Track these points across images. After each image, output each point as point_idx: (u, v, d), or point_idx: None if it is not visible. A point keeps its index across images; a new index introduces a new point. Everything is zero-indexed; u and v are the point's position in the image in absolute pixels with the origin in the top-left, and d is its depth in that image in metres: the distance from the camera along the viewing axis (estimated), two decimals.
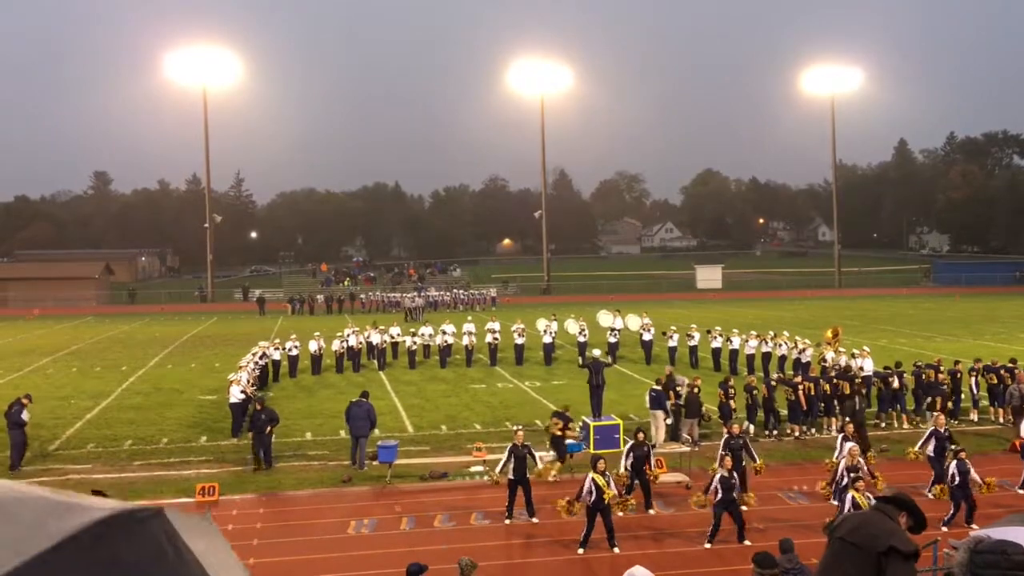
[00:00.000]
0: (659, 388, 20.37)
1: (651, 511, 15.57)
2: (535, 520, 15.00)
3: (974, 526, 14.10)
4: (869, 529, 3.58)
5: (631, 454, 15.63)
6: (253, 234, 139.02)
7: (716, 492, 13.83)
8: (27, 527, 1.34)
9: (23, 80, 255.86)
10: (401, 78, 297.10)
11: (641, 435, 16.00)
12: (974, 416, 22.62)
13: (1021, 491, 16.50)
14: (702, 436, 20.31)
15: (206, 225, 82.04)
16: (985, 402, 22.85)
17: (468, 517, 15.39)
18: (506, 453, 15.37)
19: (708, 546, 13.85)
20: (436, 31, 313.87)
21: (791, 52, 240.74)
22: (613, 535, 13.75)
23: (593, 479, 13.58)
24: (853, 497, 12.47)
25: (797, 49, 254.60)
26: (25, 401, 19.40)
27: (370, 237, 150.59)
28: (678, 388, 20.52)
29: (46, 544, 1.32)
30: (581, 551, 13.68)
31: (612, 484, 13.85)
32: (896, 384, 21.97)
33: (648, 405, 20.40)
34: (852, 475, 13.90)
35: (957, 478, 14.47)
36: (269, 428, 18.84)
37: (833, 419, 21.30)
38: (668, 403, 20.28)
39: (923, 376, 22.46)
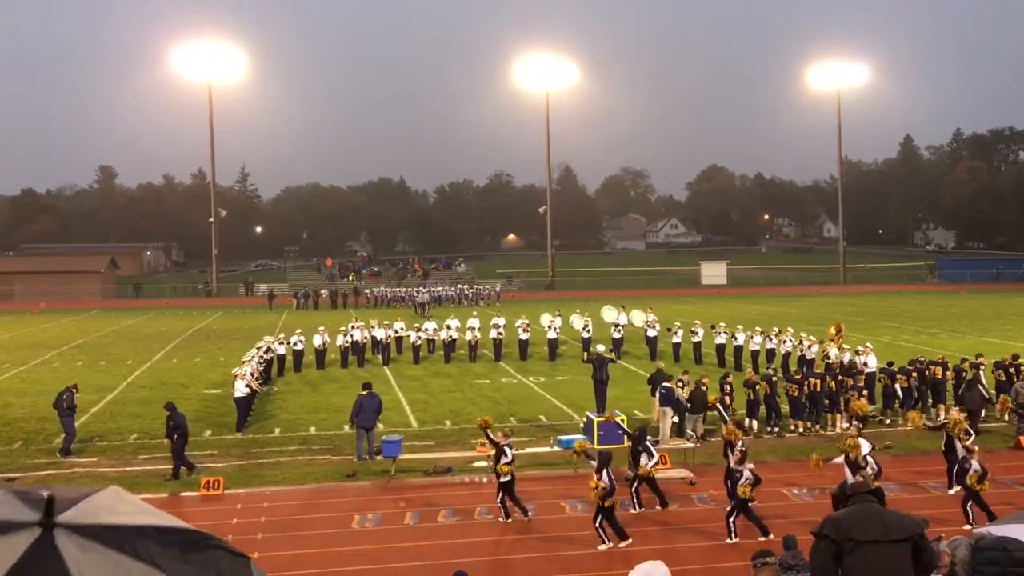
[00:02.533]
0: (669, 385, 20.35)
1: (633, 510, 15.52)
2: (528, 517, 14.97)
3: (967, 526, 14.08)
4: (896, 523, 3.68)
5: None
6: (258, 229, 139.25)
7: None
8: (140, 509, 1.52)
9: (29, 75, 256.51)
10: (406, 73, 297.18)
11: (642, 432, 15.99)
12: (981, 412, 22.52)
13: None
14: (707, 432, 20.31)
15: (211, 219, 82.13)
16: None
17: (472, 512, 15.40)
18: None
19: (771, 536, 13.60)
20: (442, 26, 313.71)
21: (797, 48, 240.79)
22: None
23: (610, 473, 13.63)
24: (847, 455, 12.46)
25: (803, 45, 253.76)
26: (74, 390, 20.38)
27: (375, 232, 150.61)
28: (667, 384, 20.42)
29: (159, 521, 1.50)
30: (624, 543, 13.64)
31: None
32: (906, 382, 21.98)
33: (658, 402, 20.37)
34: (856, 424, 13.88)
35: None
36: (175, 436, 17.79)
37: (838, 415, 21.26)
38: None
39: (927, 372, 22.42)
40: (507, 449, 15.00)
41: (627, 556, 13.39)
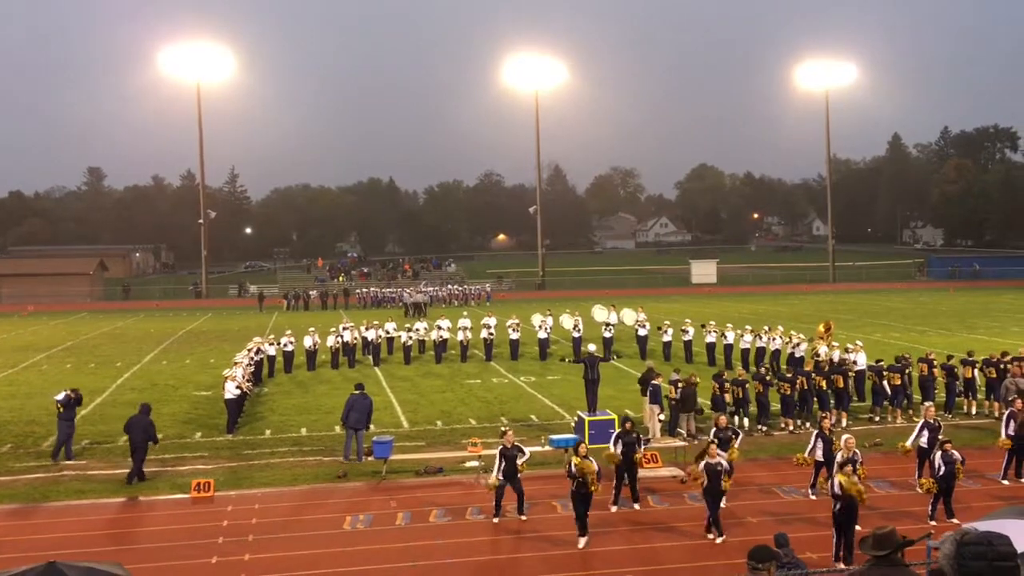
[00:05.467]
0: (656, 383, 20.39)
1: (636, 506, 15.56)
2: (524, 518, 14.97)
3: (954, 519, 14.15)
4: None
5: (619, 441, 15.62)
6: (248, 230, 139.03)
7: (704, 479, 13.82)
8: None
9: (17, 76, 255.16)
10: (396, 73, 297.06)
11: (629, 424, 15.98)
12: (972, 409, 22.63)
13: (1004, 481, 16.67)
14: (698, 431, 20.35)
15: (200, 221, 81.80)
16: (982, 395, 22.91)
17: (463, 512, 15.40)
18: (497, 456, 15.30)
19: (721, 539, 13.69)
20: (431, 27, 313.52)
21: (785, 46, 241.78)
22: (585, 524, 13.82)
23: (574, 463, 13.68)
24: (839, 481, 12.45)
25: (791, 43, 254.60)
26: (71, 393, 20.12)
27: (365, 233, 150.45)
28: (654, 382, 20.46)
29: None
30: (582, 544, 13.69)
31: (595, 465, 13.81)
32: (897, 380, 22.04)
33: (648, 400, 20.39)
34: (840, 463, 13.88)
35: (942, 469, 14.47)
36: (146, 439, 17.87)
37: (830, 413, 21.28)
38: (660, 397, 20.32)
39: (909, 370, 22.49)
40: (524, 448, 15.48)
41: (620, 556, 13.41)
